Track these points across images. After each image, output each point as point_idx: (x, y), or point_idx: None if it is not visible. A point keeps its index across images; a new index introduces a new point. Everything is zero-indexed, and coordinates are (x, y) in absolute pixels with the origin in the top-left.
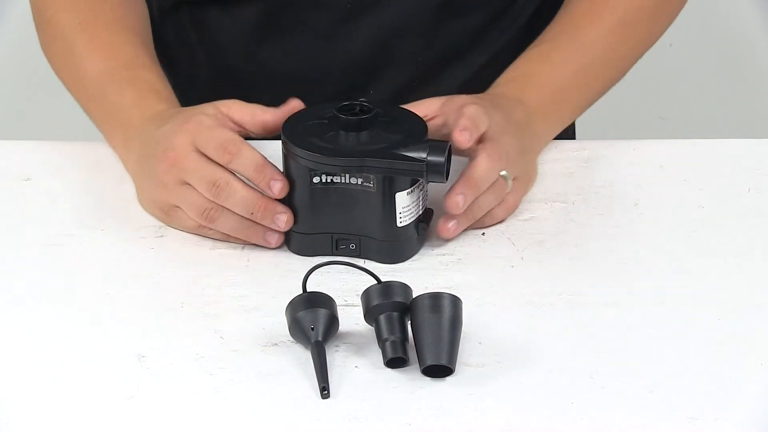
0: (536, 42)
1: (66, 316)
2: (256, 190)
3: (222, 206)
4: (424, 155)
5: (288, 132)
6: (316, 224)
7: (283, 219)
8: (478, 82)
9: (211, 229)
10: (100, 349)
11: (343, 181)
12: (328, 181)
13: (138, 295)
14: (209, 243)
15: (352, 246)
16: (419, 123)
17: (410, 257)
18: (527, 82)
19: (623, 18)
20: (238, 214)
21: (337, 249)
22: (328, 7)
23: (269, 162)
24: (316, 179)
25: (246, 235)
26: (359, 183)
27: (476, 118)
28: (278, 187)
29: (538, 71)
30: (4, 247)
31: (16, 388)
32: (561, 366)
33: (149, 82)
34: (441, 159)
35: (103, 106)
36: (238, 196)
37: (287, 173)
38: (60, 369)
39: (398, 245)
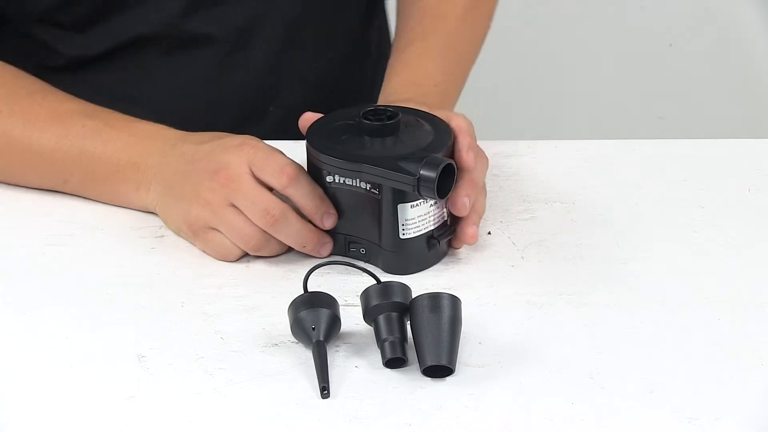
0: (407, 41)
1: (66, 316)
2: (309, 222)
3: (271, 236)
4: (416, 169)
5: (313, 128)
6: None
7: (328, 249)
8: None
9: (245, 254)
10: (100, 349)
11: (354, 184)
12: (341, 182)
13: (138, 295)
14: None
15: (362, 250)
16: (443, 135)
17: (418, 271)
18: (423, 84)
19: (471, 1)
20: (284, 244)
21: (348, 251)
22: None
23: (321, 191)
24: (329, 178)
25: (301, 249)
26: (367, 188)
27: (472, 132)
28: (331, 222)
29: (425, 71)
30: (4, 247)
31: (16, 388)
32: (561, 366)
33: (126, 119)
34: (433, 175)
35: (92, 160)
36: (293, 229)
37: (309, 170)
38: (60, 369)
39: (404, 257)
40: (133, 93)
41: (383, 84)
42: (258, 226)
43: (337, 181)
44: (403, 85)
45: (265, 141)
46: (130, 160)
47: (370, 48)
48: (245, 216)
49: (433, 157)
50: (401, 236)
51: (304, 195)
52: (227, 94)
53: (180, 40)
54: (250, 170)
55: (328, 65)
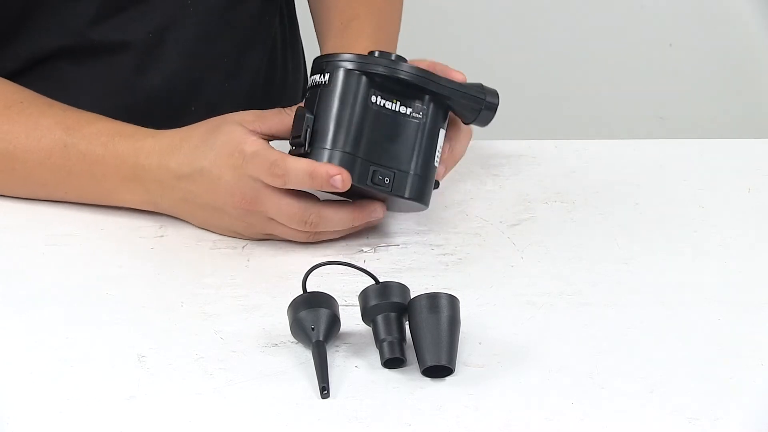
0: (341, 22)
1: (66, 316)
2: (346, 203)
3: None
4: (482, 93)
5: (352, 56)
6: (361, 148)
7: (380, 212)
8: None
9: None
10: (100, 349)
11: (393, 108)
12: (381, 105)
13: (138, 295)
14: (209, 243)
15: (387, 180)
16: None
17: (426, 208)
18: None
19: None
20: (333, 213)
21: (372, 181)
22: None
23: (313, 162)
24: (373, 99)
25: (352, 228)
26: (408, 113)
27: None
28: (340, 180)
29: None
30: (4, 247)
31: (16, 388)
32: (561, 366)
33: (107, 134)
34: (496, 101)
35: (83, 184)
36: (335, 221)
37: (344, 94)
38: (60, 369)
39: (429, 186)
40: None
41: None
42: (305, 231)
43: (379, 103)
44: None
45: None
46: (125, 181)
47: (274, 36)
48: (287, 226)
49: (487, 88)
50: (435, 163)
51: (301, 179)
52: (145, 98)
53: (91, 50)
54: (256, 179)
55: (243, 56)
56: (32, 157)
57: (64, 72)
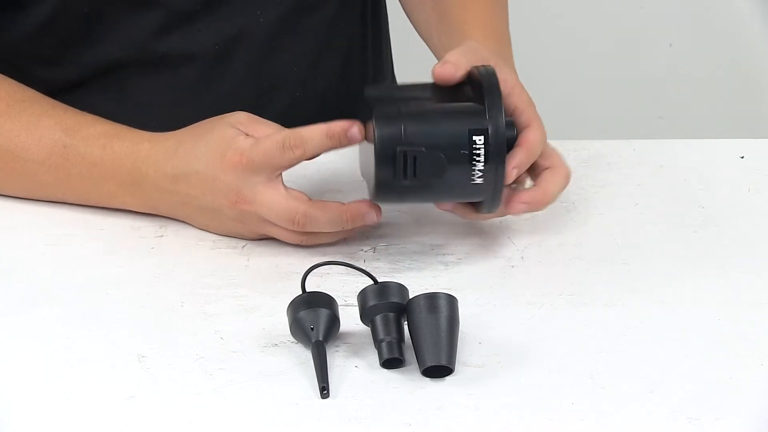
0: (454, 15)
1: (66, 316)
2: (334, 204)
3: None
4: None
5: None
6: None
7: (373, 216)
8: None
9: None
10: (100, 349)
11: None
12: None
13: (138, 295)
14: (209, 243)
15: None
16: None
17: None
18: (491, 38)
19: None
20: (323, 213)
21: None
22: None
23: (326, 123)
24: None
25: (348, 233)
26: None
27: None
28: (355, 131)
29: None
30: (4, 247)
31: (16, 388)
32: (561, 366)
33: (105, 136)
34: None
35: (82, 184)
36: (323, 221)
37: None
38: (60, 369)
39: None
40: (115, 112)
41: (455, 35)
42: (296, 231)
43: None
44: (483, 39)
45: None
46: (124, 185)
47: (359, 39)
48: (279, 226)
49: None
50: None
51: (318, 142)
52: (213, 108)
53: (155, 61)
54: (253, 172)
55: (315, 64)
56: (32, 157)
57: (130, 82)
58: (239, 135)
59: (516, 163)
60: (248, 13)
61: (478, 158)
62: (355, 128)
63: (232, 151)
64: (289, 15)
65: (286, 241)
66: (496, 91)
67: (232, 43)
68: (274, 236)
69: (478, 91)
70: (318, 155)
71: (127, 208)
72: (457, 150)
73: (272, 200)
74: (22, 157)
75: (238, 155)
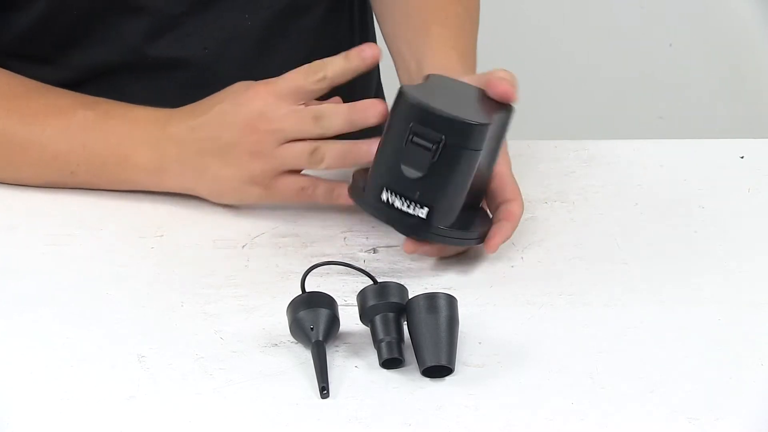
0: (420, 27)
1: (66, 316)
2: (344, 104)
3: (326, 139)
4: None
5: None
6: None
7: (380, 109)
8: None
9: (315, 188)
10: (100, 349)
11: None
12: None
13: (138, 295)
14: (209, 243)
15: None
16: None
17: None
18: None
19: None
20: (340, 145)
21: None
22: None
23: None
24: None
25: (355, 156)
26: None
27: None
28: (370, 53)
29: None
30: (4, 247)
31: (16, 388)
32: (561, 366)
33: (126, 107)
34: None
35: (99, 149)
36: (340, 112)
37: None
38: (60, 369)
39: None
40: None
41: (427, 56)
42: (313, 137)
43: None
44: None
45: None
46: (141, 144)
47: (347, 44)
48: (298, 141)
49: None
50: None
51: (339, 62)
52: None
53: (147, 66)
54: (276, 98)
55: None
56: (50, 132)
57: (124, 86)
58: (256, 82)
59: (503, 236)
60: (235, 17)
61: None
62: (368, 51)
63: (257, 84)
64: (277, 19)
65: (297, 166)
66: None
67: (221, 47)
68: (289, 165)
69: None
70: (341, 82)
71: (136, 177)
72: None
73: (288, 110)
74: (39, 133)
75: (263, 85)
